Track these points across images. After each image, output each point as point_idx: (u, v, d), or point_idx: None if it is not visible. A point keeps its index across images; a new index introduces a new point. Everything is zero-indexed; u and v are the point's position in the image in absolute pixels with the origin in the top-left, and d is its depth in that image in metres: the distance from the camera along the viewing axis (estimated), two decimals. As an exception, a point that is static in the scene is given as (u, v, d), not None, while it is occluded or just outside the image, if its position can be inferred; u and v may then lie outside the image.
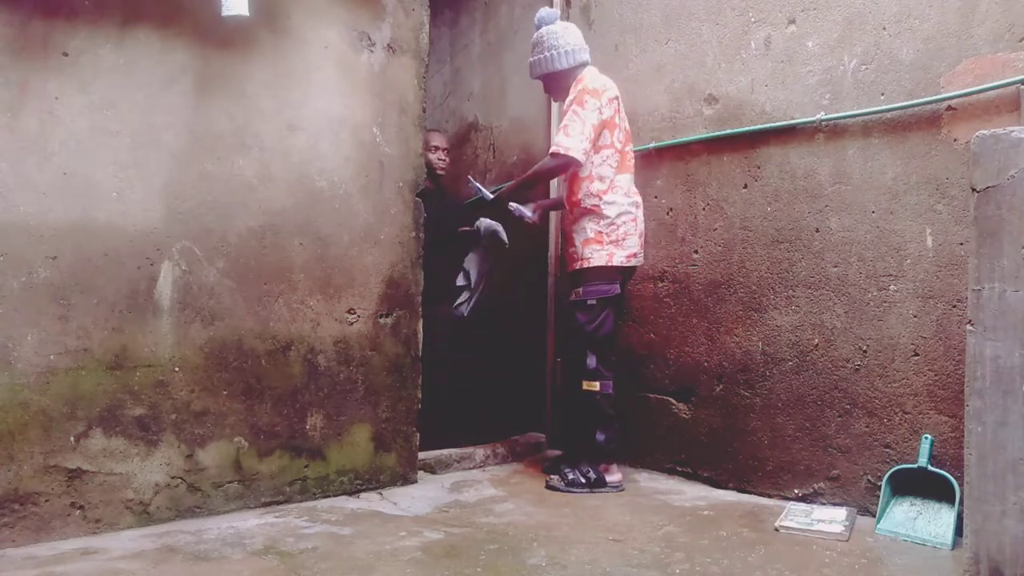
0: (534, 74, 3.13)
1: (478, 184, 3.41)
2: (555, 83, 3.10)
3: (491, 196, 3.28)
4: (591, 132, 2.90)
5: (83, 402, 2.28)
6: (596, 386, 2.95)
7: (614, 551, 2.26)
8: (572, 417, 3.20)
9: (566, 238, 3.16)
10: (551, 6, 3.59)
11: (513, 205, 3.20)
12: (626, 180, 3.01)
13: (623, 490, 2.97)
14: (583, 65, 3.04)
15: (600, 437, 2.97)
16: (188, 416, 2.46)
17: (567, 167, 2.98)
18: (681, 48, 3.25)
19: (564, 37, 3.03)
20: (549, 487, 2.99)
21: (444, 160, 4.00)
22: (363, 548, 2.23)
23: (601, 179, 2.96)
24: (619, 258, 2.96)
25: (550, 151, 2.96)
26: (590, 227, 2.97)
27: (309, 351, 2.71)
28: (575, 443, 3.11)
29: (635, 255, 3.02)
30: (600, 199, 2.95)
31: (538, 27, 3.09)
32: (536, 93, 3.67)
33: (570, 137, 2.89)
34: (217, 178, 2.52)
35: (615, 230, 2.96)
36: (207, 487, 2.50)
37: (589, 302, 2.95)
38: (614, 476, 3.00)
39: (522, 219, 3.21)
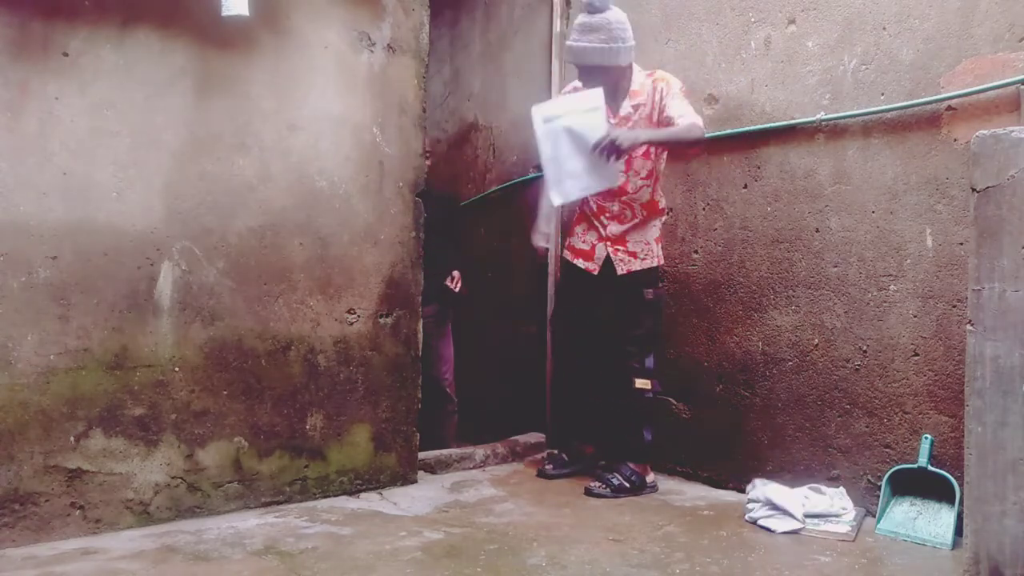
0: (591, 60, 2.75)
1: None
2: (611, 75, 2.81)
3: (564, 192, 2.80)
4: None
5: (83, 402, 2.28)
6: (649, 384, 2.91)
7: (614, 551, 2.26)
8: (614, 418, 3.06)
9: (618, 240, 2.94)
10: (551, 6, 3.59)
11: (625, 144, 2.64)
12: None
13: (658, 490, 2.97)
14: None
15: (648, 436, 2.95)
16: (188, 416, 2.46)
17: (702, 142, 2.80)
18: (681, 48, 3.25)
19: (628, 31, 2.78)
20: (593, 495, 2.87)
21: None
22: (363, 548, 2.23)
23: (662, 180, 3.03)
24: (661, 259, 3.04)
25: (696, 123, 2.70)
26: (658, 226, 3.01)
27: (309, 351, 2.71)
28: (615, 444, 3.04)
29: None
30: (663, 199, 3.02)
31: (597, 11, 2.72)
32: (536, 93, 3.66)
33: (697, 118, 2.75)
34: (217, 178, 2.52)
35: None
36: (207, 487, 2.50)
37: (659, 304, 2.99)
38: (651, 476, 2.99)
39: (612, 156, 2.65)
